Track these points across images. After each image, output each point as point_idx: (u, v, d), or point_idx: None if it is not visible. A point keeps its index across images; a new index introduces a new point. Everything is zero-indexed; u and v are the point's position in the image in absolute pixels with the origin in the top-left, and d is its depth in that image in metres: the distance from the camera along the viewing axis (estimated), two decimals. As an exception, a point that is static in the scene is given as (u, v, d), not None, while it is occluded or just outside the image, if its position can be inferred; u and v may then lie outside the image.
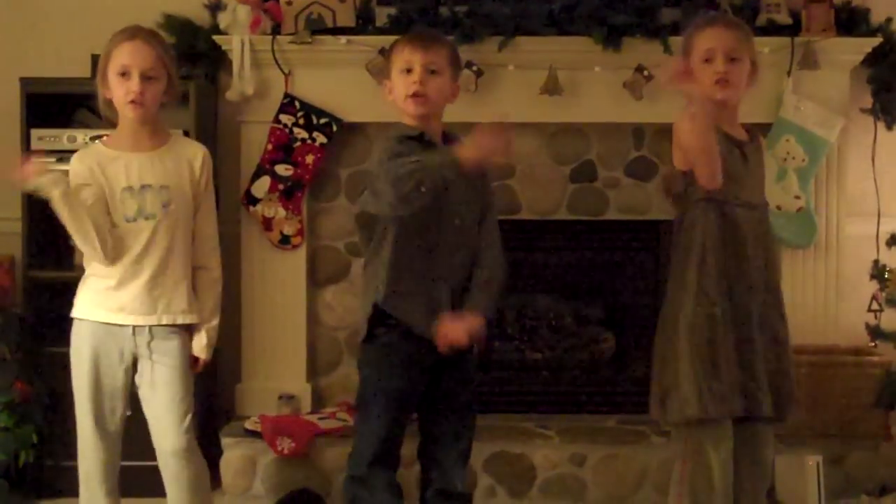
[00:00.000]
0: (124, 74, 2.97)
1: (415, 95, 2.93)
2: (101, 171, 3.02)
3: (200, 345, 3.13)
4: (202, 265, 3.15)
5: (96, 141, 3.16)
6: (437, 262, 2.95)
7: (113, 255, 3.01)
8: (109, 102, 3.05)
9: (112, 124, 3.12)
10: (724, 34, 2.97)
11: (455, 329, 2.91)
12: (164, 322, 3.06)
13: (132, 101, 2.97)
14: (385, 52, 3.03)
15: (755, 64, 3.01)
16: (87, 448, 3.11)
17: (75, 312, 3.11)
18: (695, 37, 3.00)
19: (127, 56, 2.97)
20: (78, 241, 3.01)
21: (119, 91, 2.99)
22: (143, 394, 3.10)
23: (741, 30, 3.02)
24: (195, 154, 3.14)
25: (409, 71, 2.94)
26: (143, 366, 3.07)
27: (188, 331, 3.13)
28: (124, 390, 3.09)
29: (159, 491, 3.18)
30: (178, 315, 3.08)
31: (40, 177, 2.90)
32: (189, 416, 3.10)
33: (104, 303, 3.04)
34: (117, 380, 3.07)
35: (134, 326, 3.04)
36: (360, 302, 3.12)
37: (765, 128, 3.98)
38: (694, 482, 2.92)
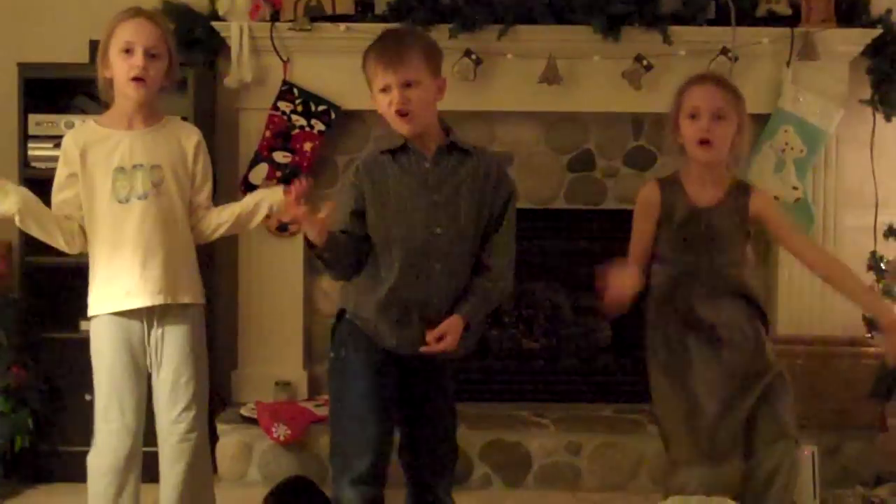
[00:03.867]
0: (128, 51, 2.94)
1: (399, 114, 2.81)
2: (87, 153, 3.00)
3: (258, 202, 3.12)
4: (199, 216, 3.13)
5: (90, 120, 3.11)
6: (413, 275, 2.82)
7: (112, 238, 2.99)
8: (109, 82, 3.01)
9: (108, 106, 3.09)
10: (711, 93, 2.98)
11: (438, 341, 2.82)
12: (169, 301, 3.02)
13: (136, 78, 2.94)
14: (363, 63, 2.89)
15: (742, 127, 3.00)
16: (110, 442, 3.01)
17: (90, 311, 3.05)
18: (685, 91, 3.02)
19: (130, 33, 2.95)
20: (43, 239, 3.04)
21: (122, 67, 2.95)
22: (153, 374, 3.07)
23: (730, 90, 3.01)
24: (188, 137, 3.10)
25: (386, 89, 2.80)
26: (152, 348, 3.04)
27: (196, 312, 3.10)
28: (145, 380, 3.05)
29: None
30: (182, 294, 3.04)
31: None
32: (194, 402, 3.05)
33: (113, 293, 3.00)
34: (139, 370, 3.03)
35: (143, 309, 3.01)
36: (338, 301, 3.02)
37: (763, 118, 3.98)
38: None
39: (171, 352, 3.04)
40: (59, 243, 3.03)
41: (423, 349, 2.81)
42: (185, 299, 3.06)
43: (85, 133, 3.05)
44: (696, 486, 2.93)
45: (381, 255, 2.84)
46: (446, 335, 2.81)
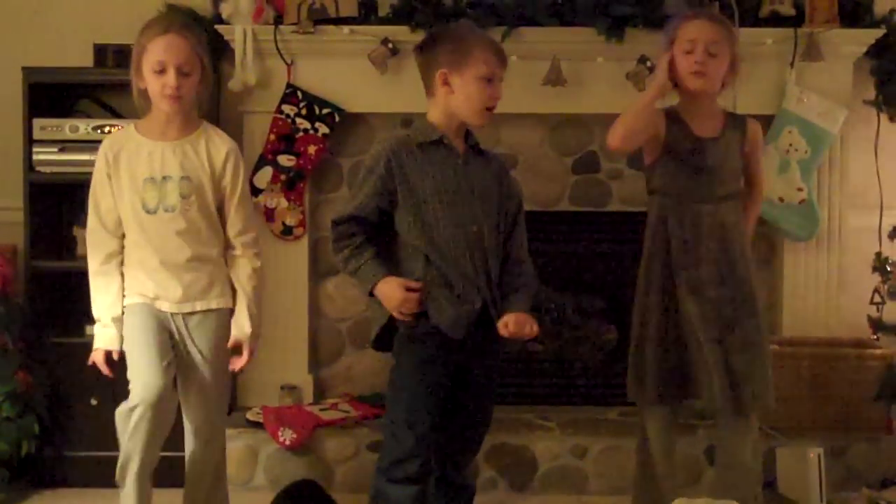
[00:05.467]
0: (161, 71, 2.96)
1: (489, 109, 2.94)
2: (120, 157, 3.02)
3: (239, 327, 3.12)
4: (234, 252, 3.14)
5: (130, 125, 3.13)
6: (464, 269, 2.88)
7: (139, 244, 3.03)
8: (143, 92, 3.03)
9: (139, 115, 3.11)
10: (707, 28, 3.11)
11: (521, 323, 2.90)
12: (198, 309, 3.07)
13: (169, 96, 2.97)
14: (454, 40, 2.94)
15: (735, 62, 3.15)
16: (136, 392, 3.01)
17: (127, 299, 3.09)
18: (680, 27, 3.15)
19: (162, 52, 2.96)
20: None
21: (155, 85, 2.97)
22: (179, 376, 3.09)
23: (724, 26, 3.15)
24: (219, 149, 3.10)
25: (489, 81, 2.91)
26: (179, 348, 3.07)
27: (223, 315, 3.12)
28: (170, 358, 3.06)
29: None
30: (208, 300, 3.08)
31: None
32: (221, 400, 3.12)
33: (141, 289, 3.05)
34: (167, 341, 3.06)
35: (171, 313, 3.06)
36: (372, 310, 3.00)
37: (767, 119, 3.97)
38: (640, 453, 3.29)
39: (198, 352, 3.08)
40: None
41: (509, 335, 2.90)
42: (211, 305, 3.10)
43: (122, 139, 3.07)
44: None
45: (428, 251, 2.87)
46: (520, 324, 2.89)
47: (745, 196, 3.25)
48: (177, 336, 3.07)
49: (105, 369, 3.04)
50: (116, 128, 3.80)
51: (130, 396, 2.99)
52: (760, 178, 3.30)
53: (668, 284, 3.12)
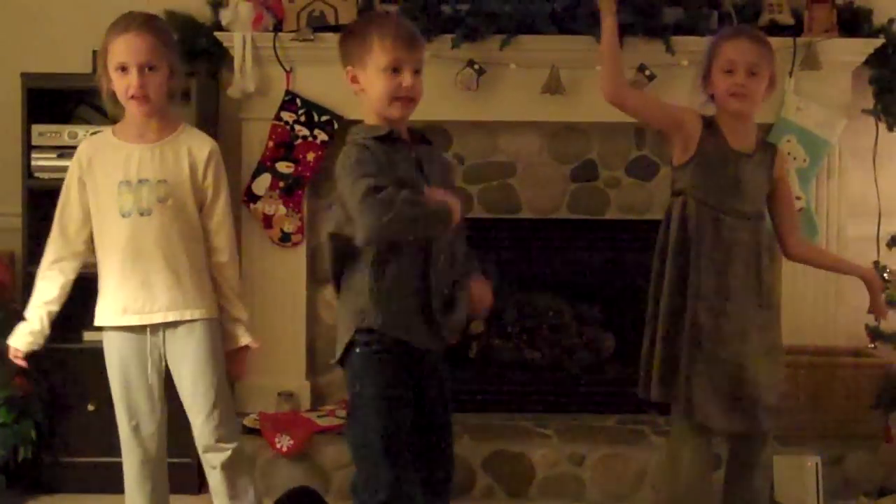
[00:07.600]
0: (123, 69, 2.90)
1: (408, 100, 2.70)
2: (94, 160, 2.98)
3: (244, 336, 3.13)
4: (213, 258, 3.07)
5: (108, 129, 3.06)
6: (429, 271, 2.73)
7: (115, 252, 2.97)
8: (113, 95, 2.96)
9: (116, 119, 3.05)
10: (748, 48, 3.05)
11: (487, 295, 2.82)
12: (171, 319, 2.98)
13: (133, 97, 2.91)
14: (355, 34, 2.76)
15: (773, 79, 3.10)
16: (125, 449, 3.05)
17: (97, 320, 3.04)
18: (720, 45, 3.09)
19: (122, 51, 2.89)
20: None
21: (120, 86, 2.91)
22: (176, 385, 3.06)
23: (764, 45, 3.09)
24: (200, 148, 3.02)
25: (395, 70, 2.67)
26: (168, 360, 3.02)
27: (206, 326, 3.03)
28: (158, 391, 3.03)
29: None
30: (188, 310, 2.99)
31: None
32: (216, 410, 3.02)
33: (113, 305, 2.98)
34: (148, 381, 3.01)
35: (147, 326, 2.98)
36: (340, 327, 2.83)
37: (766, 128, 3.98)
38: (665, 470, 3.20)
39: (185, 364, 3.02)
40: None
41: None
42: (192, 315, 3.01)
43: (98, 142, 3.02)
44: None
45: (392, 251, 2.69)
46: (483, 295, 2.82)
47: (784, 224, 3.16)
48: (165, 352, 3.01)
49: (22, 363, 3.10)
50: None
51: (123, 453, 3.06)
52: (794, 205, 3.31)
53: (682, 286, 3.04)
